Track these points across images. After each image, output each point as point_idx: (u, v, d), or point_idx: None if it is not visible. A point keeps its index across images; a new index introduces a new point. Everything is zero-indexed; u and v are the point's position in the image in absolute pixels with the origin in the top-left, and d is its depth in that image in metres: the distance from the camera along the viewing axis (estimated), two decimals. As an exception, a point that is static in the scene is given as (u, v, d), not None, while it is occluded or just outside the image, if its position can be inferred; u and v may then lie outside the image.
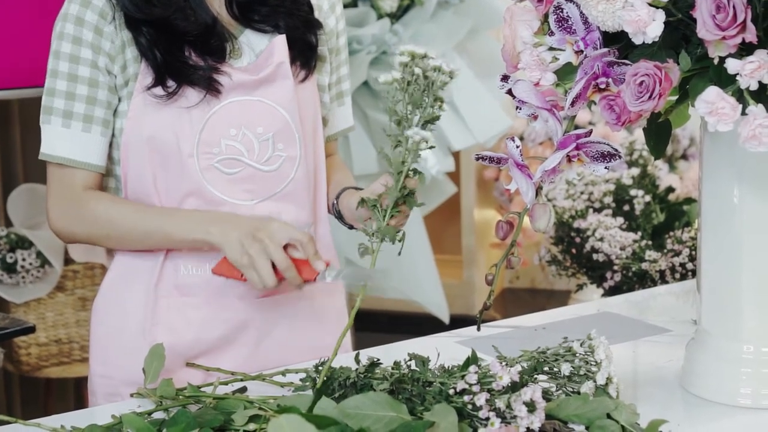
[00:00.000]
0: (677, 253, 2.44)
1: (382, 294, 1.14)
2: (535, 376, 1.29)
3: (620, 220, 2.65)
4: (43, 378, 3.04)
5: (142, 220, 1.51)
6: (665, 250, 2.47)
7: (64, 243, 2.87)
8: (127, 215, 1.52)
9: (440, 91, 1.32)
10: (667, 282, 2.42)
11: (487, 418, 1.16)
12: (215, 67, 1.52)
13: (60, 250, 2.95)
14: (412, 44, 1.36)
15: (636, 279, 2.49)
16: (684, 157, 3.84)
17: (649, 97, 1.18)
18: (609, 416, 1.21)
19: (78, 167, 1.53)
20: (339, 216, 1.62)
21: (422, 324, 3.71)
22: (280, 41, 1.55)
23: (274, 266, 1.43)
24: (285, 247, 1.44)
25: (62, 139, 1.52)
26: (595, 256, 2.60)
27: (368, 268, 1.35)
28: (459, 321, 2.84)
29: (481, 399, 1.16)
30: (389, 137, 1.35)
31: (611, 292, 2.54)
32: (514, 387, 1.19)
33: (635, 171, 2.82)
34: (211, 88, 1.51)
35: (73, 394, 3.24)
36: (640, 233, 2.65)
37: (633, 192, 2.75)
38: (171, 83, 1.50)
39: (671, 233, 2.53)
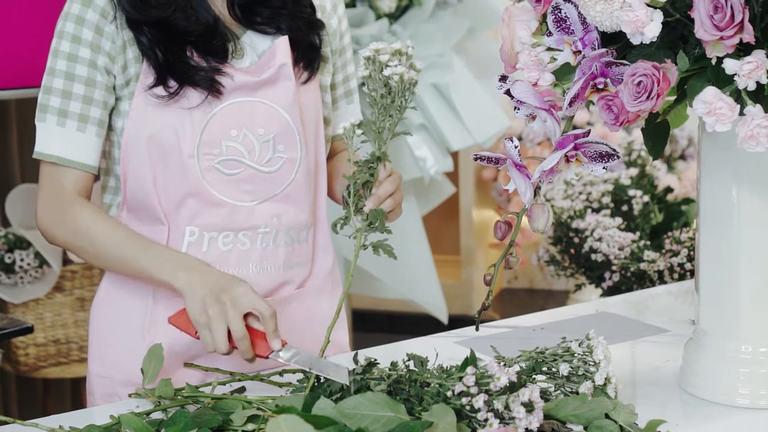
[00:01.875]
0: (675, 254, 2.44)
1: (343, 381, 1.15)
2: (534, 376, 1.29)
3: (618, 220, 2.65)
4: (41, 378, 3.04)
5: (119, 245, 1.49)
6: (663, 251, 2.47)
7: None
8: (106, 236, 1.50)
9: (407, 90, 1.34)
10: (665, 282, 2.42)
11: (486, 419, 1.16)
12: (217, 67, 1.51)
13: (58, 251, 2.94)
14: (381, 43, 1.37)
15: (634, 279, 2.49)
16: (682, 157, 3.85)
17: (647, 98, 1.18)
18: (607, 416, 1.21)
19: (70, 167, 1.52)
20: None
21: (421, 324, 3.72)
22: (283, 43, 1.55)
23: (230, 332, 1.39)
24: (247, 315, 1.40)
25: (56, 137, 1.51)
26: (593, 257, 2.60)
27: (322, 359, 1.34)
28: (457, 321, 2.84)
29: (479, 400, 1.16)
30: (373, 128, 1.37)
31: (610, 292, 2.54)
32: (513, 387, 1.19)
33: (634, 171, 2.82)
34: (213, 89, 1.50)
35: (70, 394, 3.23)
36: (638, 233, 2.65)
37: (631, 192, 2.75)
38: (172, 83, 1.50)
39: (669, 233, 2.53)
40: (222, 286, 1.41)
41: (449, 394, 1.20)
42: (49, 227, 1.54)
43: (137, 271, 1.49)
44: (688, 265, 2.40)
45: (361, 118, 1.73)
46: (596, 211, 2.73)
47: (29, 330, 2.38)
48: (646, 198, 2.75)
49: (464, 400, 1.17)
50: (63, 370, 3.02)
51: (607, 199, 2.74)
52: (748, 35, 1.14)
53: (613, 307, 1.84)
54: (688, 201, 2.82)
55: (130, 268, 1.50)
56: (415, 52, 1.37)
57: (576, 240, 2.66)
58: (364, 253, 1.37)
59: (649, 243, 2.59)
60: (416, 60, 1.36)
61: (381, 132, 1.36)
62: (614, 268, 2.54)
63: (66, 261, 2.99)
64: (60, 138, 1.51)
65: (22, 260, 2.89)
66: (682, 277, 2.40)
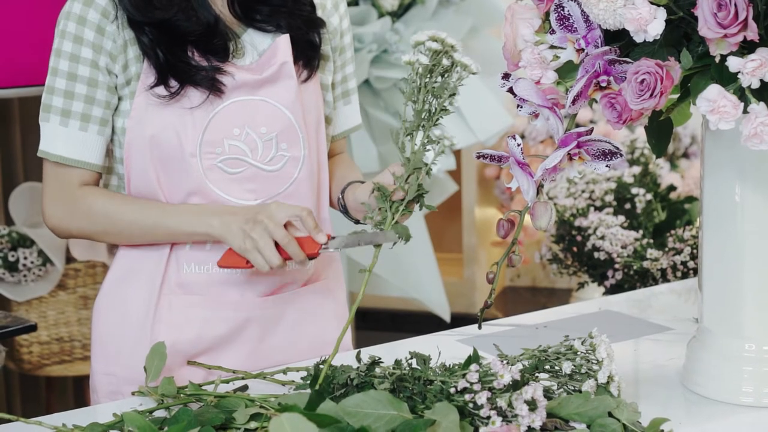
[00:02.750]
0: (678, 252, 2.43)
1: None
2: (536, 374, 1.29)
3: (621, 218, 2.65)
4: (44, 376, 3.04)
5: (141, 215, 1.51)
6: (666, 249, 2.46)
7: (64, 241, 2.87)
8: (126, 211, 1.52)
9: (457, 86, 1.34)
10: (668, 280, 2.42)
11: (488, 417, 1.16)
12: (218, 66, 1.51)
13: (61, 249, 2.95)
14: (434, 31, 1.37)
15: (637, 277, 2.49)
16: (685, 155, 3.84)
17: (651, 95, 1.18)
18: (610, 415, 1.21)
19: (74, 166, 1.53)
20: (344, 210, 1.62)
21: (423, 322, 3.72)
22: (284, 41, 1.55)
23: (278, 246, 1.45)
24: (286, 226, 1.45)
25: (60, 137, 1.52)
26: (596, 255, 2.60)
27: (369, 231, 1.36)
28: (460, 319, 2.83)
29: (482, 398, 1.16)
30: (403, 125, 1.36)
31: (612, 290, 2.53)
32: (516, 385, 1.19)
33: (636, 169, 2.82)
34: (214, 88, 1.50)
35: (72, 392, 3.24)
36: (641, 231, 2.65)
37: (634, 190, 2.75)
38: (174, 83, 1.50)
39: (672, 232, 2.52)
40: (254, 212, 1.47)
41: (452, 391, 1.19)
42: (61, 222, 1.55)
43: (169, 235, 1.52)
44: (691, 264, 2.40)
45: (359, 121, 1.74)
46: (599, 209, 2.73)
47: (33, 328, 2.38)
48: (649, 196, 2.74)
49: (467, 397, 1.17)
50: (66, 368, 3.03)
51: (610, 197, 2.74)
52: (752, 33, 1.14)
53: (616, 305, 1.84)
54: (691, 199, 2.82)
55: (160, 235, 1.52)
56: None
57: (579, 238, 2.66)
58: (367, 251, 1.37)
59: (652, 241, 2.58)
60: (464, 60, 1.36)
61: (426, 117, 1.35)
62: (617, 266, 2.54)
63: (69, 259, 3.00)
64: (63, 137, 1.52)
65: (25, 258, 2.89)
66: (685, 276, 2.40)
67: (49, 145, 1.53)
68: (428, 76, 1.34)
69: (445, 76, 1.35)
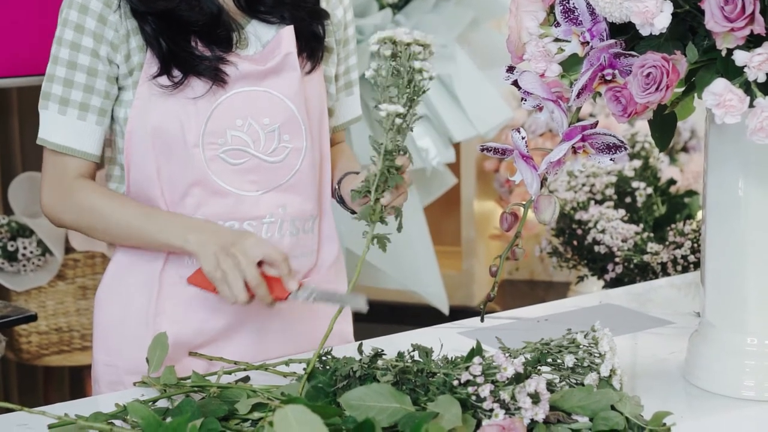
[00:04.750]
0: (679, 246, 2.43)
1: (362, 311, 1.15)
2: (539, 367, 1.29)
3: (622, 212, 2.65)
4: (42, 366, 3.04)
5: (126, 216, 1.51)
6: (667, 243, 2.47)
7: (64, 231, 2.87)
8: (113, 210, 1.51)
9: (420, 65, 1.29)
10: (668, 274, 2.42)
11: (491, 410, 1.16)
12: (221, 56, 1.51)
13: (61, 239, 2.94)
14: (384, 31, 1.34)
15: (637, 271, 2.49)
16: (684, 149, 3.84)
17: (656, 89, 1.18)
18: (613, 408, 1.21)
19: (72, 155, 1.53)
20: (341, 201, 1.61)
21: (422, 315, 3.72)
22: (288, 32, 1.54)
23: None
24: (260, 263, 1.43)
25: (58, 125, 1.52)
26: (596, 248, 2.60)
27: (341, 293, 1.35)
28: (458, 312, 2.84)
29: (485, 390, 1.16)
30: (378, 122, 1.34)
31: (612, 284, 2.53)
32: (518, 378, 1.19)
33: (637, 163, 2.82)
34: (218, 78, 1.50)
35: (68, 382, 3.24)
36: (641, 225, 2.65)
37: (635, 184, 2.75)
38: (177, 73, 1.49)
39: (673, 225, 2.52)
40: (231, 240, 1.44)
41: (455, 384, 1.19)
42: (55, 211, 1.55)
43: (147, 241, 1.51)
44: (691, 258, 2.40)
45: (360, 113, 1.73)
46: (599, 202, 2.73)
47: (33, 318, 2.38)
48: (650, 190, 2.74)
49: (470, 390, 1.17)
50: (65, 359, 3.03)
51: (610, 191, 2.74)
52: (759, 27, 1.14)
53: (617, 299, 1.84)
54: (691, 193, 2.82)
55: (139, 239, 1.51)
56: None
57: (579, 232, 2.66)
58: (365, 242, 1.36)
59: (652, 235, 2.59)
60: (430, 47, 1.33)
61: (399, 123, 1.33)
62: (617, 260, 2.54)
63: (68, 249, 2.99)
64: (61, 126, 1.52)
65: (24, 248, 2.89)
66: (685, 270, 2.40)
67: (47, 132, 1.53)
68: (387, 77, 1.31)
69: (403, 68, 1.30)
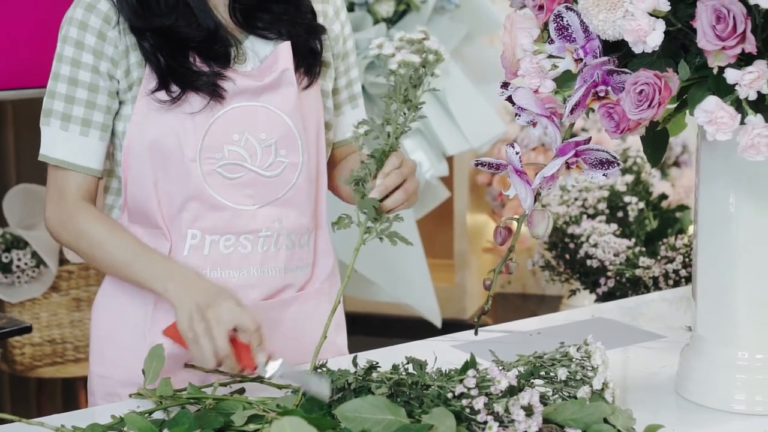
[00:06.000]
0: (671, 260, 2.45)
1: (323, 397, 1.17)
2: (532, 380, 1.30)
3: (614, 226, 2.66)
4: (35, 378, 3.04)
5: (116, 250, 1.51)
6: (659, 257, 2.48)
7: (52, 241, 2.87)
8: (104, 242, 1.52)
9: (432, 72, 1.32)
10: (660, 288, 2.43)
11: (485, 422, 1.17)
12: (219, 72, 1.52)
13: (55, 251, 2.95)
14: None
15: (629, 285, 2.51)
16: (676, 164, 3.86)
17: (649, 106, 1.19)
18: (606, 421, 1.22)
19: (74, 170, 1.54)
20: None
21: (413, 328, 3.72)
22: (285, 48, 1.55)
23: None
24: (235, 328, 1.42)
25: (60, 141, 1.53)
26: (588, 262, 2.61)
27: (307, 373, 1.35)
28: (450, 325, 2.84)
29: (479, 403, 1.17)
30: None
31: (604, 298, 2.55)
32: (512, 391, 1.20)
33: (629, 178, 2.84)
34: (215, 93, 1.51)
35: (61, 394, 3.23)
36: (633, 240, 2.66)
37: (627, 198, 2.77)
38: (175, 88, 1.50)
39: (664, 240, 2.54)
40: (208, 301, 1.42)
41: (449, 396, 1.20)
42: (55, 228, 1.57)
43: (130, 279, 1.52)
44: (683, 272, 2.41)
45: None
46: (592, 217, 2.74)
47: (28, 329, 2.38)
48: (642, 204, 2.76)
49: (464, 403, 1.18)
50: (58, 370, 3.02)
51: (602, 205, 2.75)
52: (750, 45, 1.15)
53: (609, 312, 1.85)
54: (682, 208, 2.84)
55: (124, 275, 1.53)
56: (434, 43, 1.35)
57: (571, 246, 2.67)
58: (359, 256, 1.36)
59: (644, 249, 2.60)
60: (434, 47, 1.34)
61: (388, 123, 1.35)
62: (609, 273, 2.55)
63: (63, 261, 3.00)
64: (64, 142, 1.53)
65: (19, 260, 2.89)
66: (676, 284, 2.41)
67: (49, 149, 1.54)
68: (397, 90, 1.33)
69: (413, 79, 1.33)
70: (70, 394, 3.20)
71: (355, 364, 1.33)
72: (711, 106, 1.17)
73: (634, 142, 3.10)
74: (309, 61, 1.59)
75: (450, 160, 3.84)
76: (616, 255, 2.58)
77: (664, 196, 2.88)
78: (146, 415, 1.30)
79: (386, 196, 1.40)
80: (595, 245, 2.61)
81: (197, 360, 1.43)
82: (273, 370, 1.40)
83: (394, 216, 1.37)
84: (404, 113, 1.33)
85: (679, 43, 1.24)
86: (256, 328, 1.41)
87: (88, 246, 1.54)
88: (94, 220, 1.54)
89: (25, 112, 3.13)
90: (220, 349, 1.40)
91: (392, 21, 3.32)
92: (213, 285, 1.48)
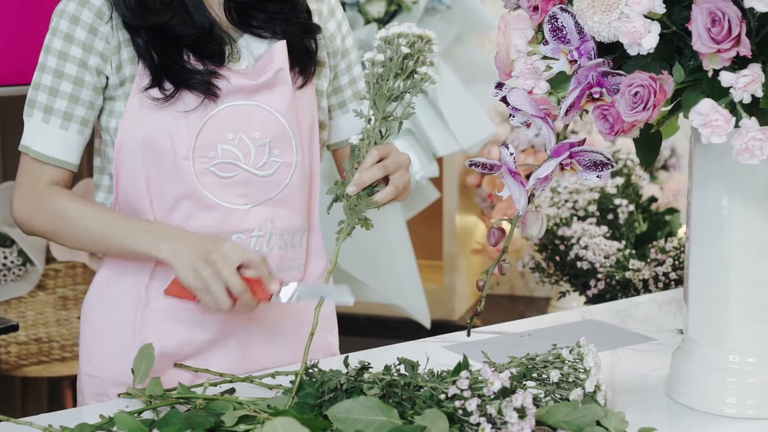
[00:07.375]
0: (660, 263, 2.45)
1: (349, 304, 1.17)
2: (524, 382, 1.30)
3: (604, 228, 2.67)
4: (20, 377, 3.02)
5: (97, 222, 1.50)
6: (648, 260, 2.49)
7: (45, 241, 2.86)
8: (83, 215, 1.51)
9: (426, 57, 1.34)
10: (650, 291, 2.43)
11: (478, 424, 1.17)
12: (213, 70, 1.51)
13: (42, 249, 2.93)
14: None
15: (619, 287, 2.51)
16: (665, 167, 3.87)
17: (644, 108, 1.19)
18: (598, 423, 1.22)
19: (50, 163, 1.53)
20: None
21: (402, 328, 3.72)
22: (280, 47, 1.55)
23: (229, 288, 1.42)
24: (239, 267, 1.43)
25: (41, 134, 1.52)
26: (579, 264, 2.62)
27: (323, 285, 1.35)
28: (439, 326, 2.85)
29: (472, 404, 1.17)
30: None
31: (594, 300, 2.55)
32: (505, 393, 1.19)
33: (619, 180, 2.84)
34: (209, 92, 1.51)
35: (46, 393, 3.21)
36: (623, 242, 2.67)
37: (617, 201, 2.77)
38: (168, 86, 1.50)
39: (654, 243, 2.55)
40: (207, 248, 1.43)
41: (442, 397, 1.20)
42: (26, 217, 1.55)
43: (117, 248, 1.50)
44: (672, 275, 2.42)
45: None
46: (582, 219, 2.75)
47: (15, 328, 2.37)
48: (632, 207, 2.77)
49: (457, 404, 1.18)
50: (44, 369, 3.00)
51: (593, 208, 2.76)
52: (745, 49, 1.15)
53: (599, 315, 1.85)
54: (672, 211, 2.84)
55: (111, 246, 1.51)
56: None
57: (562, 247, 2.68)
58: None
59: (634, 252, 2.61)
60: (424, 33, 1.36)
61: (369, 121, 1.36)
62: (599, 276, 2.56)
63: (49, 259, 2.98)
64: (44, 135, 1.52)
65: (5, 258, 2.87)
66: (666, 287, 2.42)
67: (30, 140, 1.53)
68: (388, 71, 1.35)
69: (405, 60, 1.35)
70: (56, 393, 3.18)
71: (346, 364, 1.33)
72: (706, 108, 1.17)
73: (624, 145, 3.11)
74: (304, 61, 1.58)
75: (439, 161, 3.84)
76: (606, 257, 2.58)
77: (653, 199, 2.89)
78: (136, 414, 1.29)
79: (374, 191, 1.41)
80: (586, 247, 2.61)
81: (211, 306, 1.42)
82: (288, 294, 1.42)
83: (366, 201, 1.38)
84: (383, 107, 1.34)
85: (674, 45, 1.24)
86: (263, 259, 1.43)
87: (65, 225, 1.51)
88: (68, 199, 1.52)
89: (10, 109, 3.11)
90: (234, 285, 1.40)
91: (383, 21, 3.32)
92: (204, 235, 1.48)
